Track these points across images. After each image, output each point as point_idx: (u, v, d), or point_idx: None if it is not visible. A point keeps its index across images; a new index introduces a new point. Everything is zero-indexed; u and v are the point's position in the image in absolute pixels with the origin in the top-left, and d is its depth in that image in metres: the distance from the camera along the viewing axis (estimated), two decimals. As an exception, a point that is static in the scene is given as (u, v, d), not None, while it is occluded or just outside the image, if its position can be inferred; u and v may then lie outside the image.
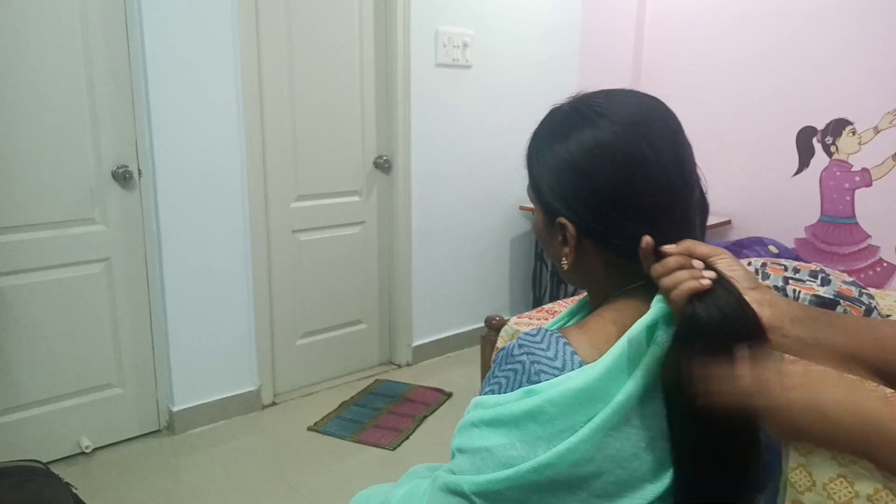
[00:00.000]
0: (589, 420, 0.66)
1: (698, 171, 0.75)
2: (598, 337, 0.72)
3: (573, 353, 0.70)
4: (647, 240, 0.69)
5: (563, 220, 0.73)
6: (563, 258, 0.76)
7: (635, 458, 0.67)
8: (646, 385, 0.67)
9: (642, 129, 0.70)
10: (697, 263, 0.68)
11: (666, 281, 0.67)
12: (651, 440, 0.68)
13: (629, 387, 0.67)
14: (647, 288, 0.73)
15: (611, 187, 0.70)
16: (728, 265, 0.69)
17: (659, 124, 0.71)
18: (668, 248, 0.69)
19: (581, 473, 0.66)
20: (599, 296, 0.79)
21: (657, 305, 0.69)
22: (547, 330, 0.74)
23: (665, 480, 0.68)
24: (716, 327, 0.64)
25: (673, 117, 0.74)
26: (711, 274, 0.66)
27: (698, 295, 0.65)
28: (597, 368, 0.68)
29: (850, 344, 0.68)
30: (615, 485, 0.67)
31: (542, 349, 0.71)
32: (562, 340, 0.72)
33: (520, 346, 0.72)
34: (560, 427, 0.66)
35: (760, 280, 2.49)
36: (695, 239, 0.72)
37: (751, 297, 0.67)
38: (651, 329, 0.68)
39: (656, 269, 0.69)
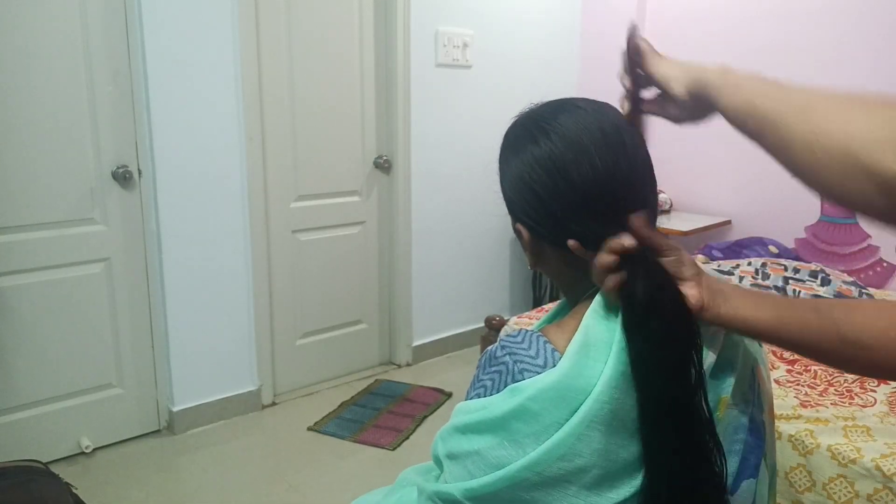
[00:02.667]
0: (574, 413, 0.67)
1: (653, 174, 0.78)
2: (574, 333, 0.73)
3: (553, 350, 0.73)
4: (570, 244, 0.73)
5: (519, 226, 0.79)
6: (528, 259, 0.83)
7: (622, 449, 0.68)
8: (621, 372, 0.68)
9: (575, 142, 0.73)
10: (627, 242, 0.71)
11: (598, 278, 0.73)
12: (634, 431, 0.69)
13: (606, 375, 0.68)
14: None
15: (553, 193, 0.74)
16: (678, 259, 0.73)
17: (596, 135, 0.74)
18: (630, 231, 0.71)
19: (570, 468, 0.67)
20: (573, 296, 0.83)
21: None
22: (528, 331, 0.76)
23: None
24: (646, 303, 0.69)
25: (611, 124, 0.76)
26: (611, 257, 0.71)
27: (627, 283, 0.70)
28: (567, 359, 0.70)
29: (772, 320, 0.73)
30: (604, 476, 0.68)
31: (524, 349, 0.73)
32: (542, 339, 0.74)
33: (502, 347, 0.75)
34: (546, 423, 0.68)
35: (761, 280, 2.49)
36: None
37: (693, 283, 0.73)
38: (603, 316, 0.72)
39: (601, 261, 0.72)
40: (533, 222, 0.76)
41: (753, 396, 0.80)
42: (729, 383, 0.76)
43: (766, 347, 0.87)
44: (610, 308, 0.72)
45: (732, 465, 0.77)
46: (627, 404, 0.68)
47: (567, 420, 0.67)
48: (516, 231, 0.80)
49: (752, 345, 0.82)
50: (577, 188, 0.72)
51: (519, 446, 0.68)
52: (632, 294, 0.69)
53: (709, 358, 0.73)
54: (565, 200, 0.73)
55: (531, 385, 0.69)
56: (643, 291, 0.69)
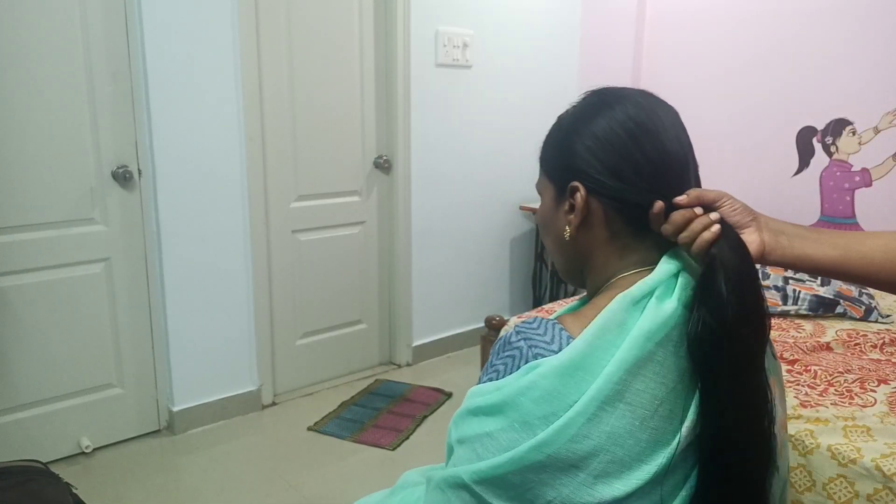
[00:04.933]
0: (582, 395, 0.68)
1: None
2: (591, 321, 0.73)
3: (569, 336, 0.73)
4: (658, 204, 0.74)
5: (575, 182, 0.78)
6: (567, 227, 0.80)
7: (630, 436, 0.68)
8: (636, 357, 0.68)
9: (651, 110, 0.78)
10: (699, 210, 0.74)
11: (684, 236, 0.73)
12: (644, 418, 0.69)
13: (619, 357, 0.68)
14: (644, 275, 0.75)
15: (624, 150, 0.76)
16: (731, 206, 0.75)
17: (663, 109, 0.79)
18: (679, 199, 0.74)
19: (579, 451, 0.67)
20: (597, 281, 0.82)
21: (646, 283, 0.73)
22: (542, 318, 0.76)
23: (659, 460, 0.69)
24: (734, 266, 0.71)
25: (673, 109, 0.81)
26: (716, 216, 0.73)
27: (716, 242, 0.71)
28: (581, 339, 0.70)
29: (837, 258, 0.76)
30: (612, 464, 0.68)
31: (539, 334, 0.73)
32: (558, 326, 0.74)
33: (517, 332, 0.75)
34: (556, 406, 0.68)
35: (761, 279, 2.50)
36: None
37: (752, 228, 0.76)
38: (633, 302, 0.72)
39: (667, 228, 0.74)
40: (597, 173, 0.77)
41: None
42: None
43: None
44: (641, 297, 0.72)
45: None
46: (638, 389, 0.68)
47: (576, 401, 0.68)
48: (570, 190, 0.79)
49: (766, 357, 0.81)
50: (664, 153, 0.76)
51: (529, 428, 0.68)
52: (719, 255, 0.70)
53: None
54: (639, 153, 0.75)
55: (544, 363, 0.70)
56: (729, 252, 0.71)
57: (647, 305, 0.71)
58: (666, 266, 0.74)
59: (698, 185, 0.80)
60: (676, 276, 0.74)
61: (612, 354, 0.69)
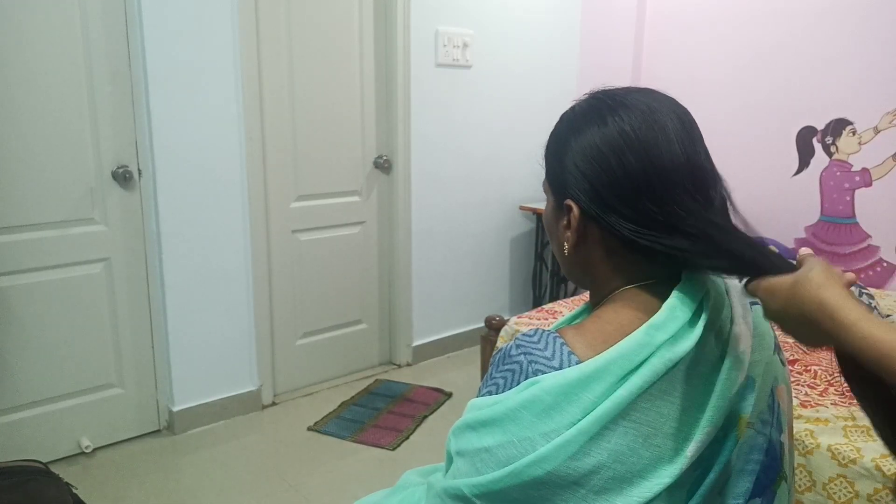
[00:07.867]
0: (586, 414, 0.67)
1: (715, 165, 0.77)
2: (595, 337, 0.72)
3: (570, 352, 0.71)
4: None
5: (569, 201, 0.75)
6: (565, 242, 0.78)
7: (633, 453, 0.67)
8: (649, 384, 0.67)
9: (651, 117, 0.72)
10: None
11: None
12: (648, 436, 0.68)
13: (632, 383, 0.67)
14: (648, 288, 0.74)
15: (609, 169, 0.72)
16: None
17: (669, 114, 0.74)
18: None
19: (580, 469, 0.66)
20: (599, 293, 0.80)
21: (676, 318, 0.70)
22: (544, 330, 0.75)
23: (663, 479, 0.68)
24: None
25: (685, 112, 0.76)
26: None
27: None
28: (594, 361, 0.68)
29: None
30: (613, 480, 0.67)
31: (540, 349, 0.72)
32: (559, 340, 0.72)
33: (517, 346, 0.73)
34: (557, 423, 0.67)
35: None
36: (714, 219, 0.74)
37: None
38: (654, 331, 0.69)
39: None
40: (590, 195, 0.73)
41: (772, 418, 0.78)
42: (749, 402, 0.75)
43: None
44: (668, 336, 0.69)
45: (745, 484, 0.76)
46: (644, 407, 0.67)
47: (580, 420, 0.66)
48: (565, 208, 0.76)
49: (773, 364, 0.80)
50: (658, 167, 0.71)
51: (528, 444, 0.67)
52: None
53: (738, 380, 0.72)
54: (643, 178, 0.71)
55: (546, 378, 0.68)
56: None
57: (676, 332, 0.69)
58: (690, 293, 0.72)
59: (717, 191, 0.75)
60: (701, 302, 0.71)
61: (621, 377, 0.67)
